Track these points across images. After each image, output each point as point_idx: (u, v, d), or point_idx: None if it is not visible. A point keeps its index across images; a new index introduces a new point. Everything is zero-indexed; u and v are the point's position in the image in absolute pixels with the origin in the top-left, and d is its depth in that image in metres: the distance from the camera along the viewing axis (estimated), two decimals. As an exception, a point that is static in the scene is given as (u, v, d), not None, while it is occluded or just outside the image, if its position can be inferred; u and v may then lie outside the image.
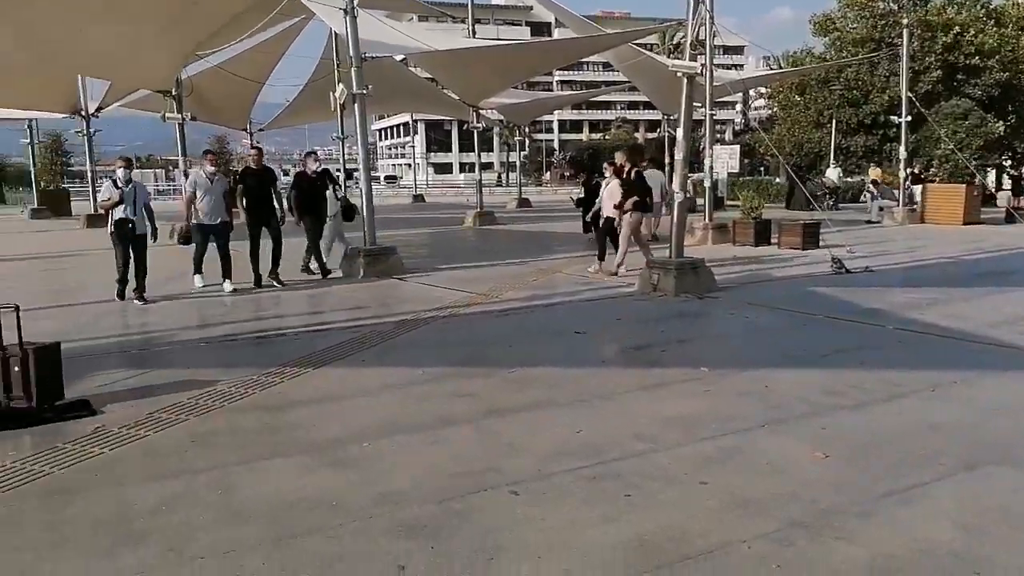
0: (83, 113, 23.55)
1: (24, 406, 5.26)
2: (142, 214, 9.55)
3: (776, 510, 3.68)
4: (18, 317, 5.41)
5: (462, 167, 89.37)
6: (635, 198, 11.24)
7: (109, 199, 9.45)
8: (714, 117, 15.28)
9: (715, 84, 14.90)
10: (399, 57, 19.76)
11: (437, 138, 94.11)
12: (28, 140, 29.54)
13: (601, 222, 12.04)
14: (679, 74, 9.97)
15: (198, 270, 10.73)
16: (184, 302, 9.78)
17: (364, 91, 11.63)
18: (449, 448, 4.51)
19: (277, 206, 11.00)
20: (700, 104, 14.07)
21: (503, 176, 74.59)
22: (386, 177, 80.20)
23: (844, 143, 31.10)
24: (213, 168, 10.62)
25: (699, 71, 10.41)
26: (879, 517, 3.61)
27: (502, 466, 4.22)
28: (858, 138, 30.64)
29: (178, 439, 4.78)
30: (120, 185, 9.43)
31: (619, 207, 11.40)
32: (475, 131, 22.64)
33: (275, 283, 10.86)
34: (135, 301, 9.50)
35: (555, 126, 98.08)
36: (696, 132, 22.86)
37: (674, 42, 49.10)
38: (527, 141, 61.31)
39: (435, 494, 3.87)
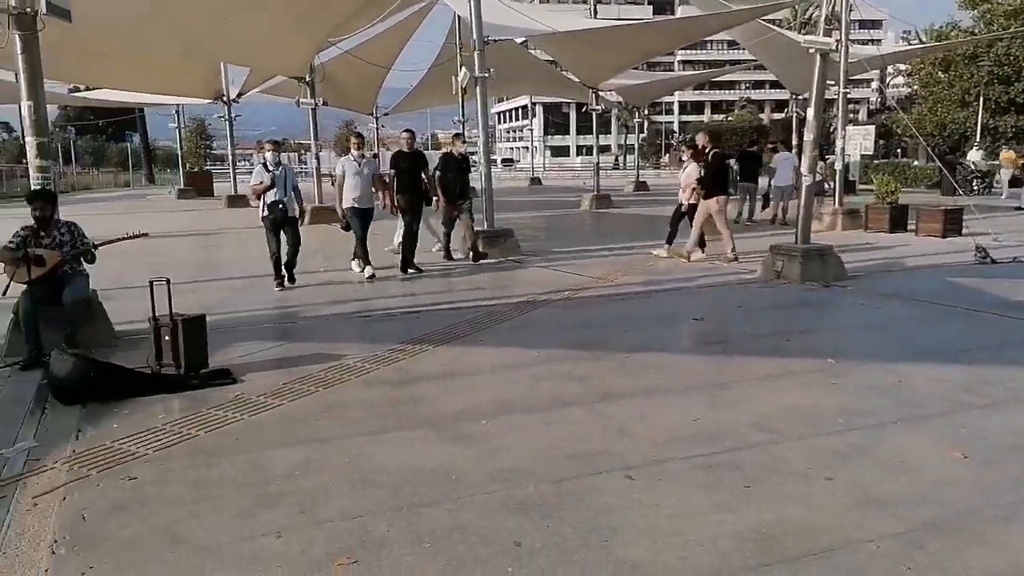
0: (225, 99, 24.91)
1: (173, 372, 5.69)
2: (291, 196, 9.36)
3: (908, 510, 3.51)
4: (169, 290, 5.85)
5: (579, 150, 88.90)
6: (694, 184, 11.05)
7: (261, 183, 9.23)
8: (848, 96, 14.52)
9: (850, 61, 14.16)
10: (520, 40, 19.81)
11: (555, 121, 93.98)
12: (176, 125, 31.60)
13: (681, 206, 11.64)
14: (811, 51, 9.53)
15: (362, 257, 10.25)
16: (317, 280, 10.23)
17: (486, 74, 11.74)
18: (563, 430, 4.54)
19: (430, 190, 10.79)
20: (833, 82, 13.39)
21: (620, 159, 73.68)
22: (503, 160, 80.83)
23: (992, 123, 28.86)
24: (359, 151, 10.22)
25: (833, 47, 9.89)
26: (1021, 523, 3.38)
27: (616, 450, 4.22)
28: (1008, 118, 28.37)
29: (311, 409, 5.03)
30: (270, 168, 9.26)
31: (694, 190, 11.12)
32: (594, 113, 22.46)
33: (412, 269, 10.53)
34: (284, 284, 9.38)
35: (675, 107, 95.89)
36: (827, 112, 21.78)
37: (806, 17, 46.84)
38: (646, 123, 60.17)
39: (550, 474, 3.91)
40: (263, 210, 9.25)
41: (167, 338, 5.75)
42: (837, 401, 5.00)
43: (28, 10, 6.44)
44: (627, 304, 8.31)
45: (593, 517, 3.46)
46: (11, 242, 6.37)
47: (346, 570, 3.05)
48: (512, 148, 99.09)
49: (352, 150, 10.24)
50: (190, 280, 9.96)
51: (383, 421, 4.80)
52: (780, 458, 4.09)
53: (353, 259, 10.45)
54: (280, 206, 9.20)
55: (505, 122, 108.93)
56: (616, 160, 72.98)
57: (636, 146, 36.84)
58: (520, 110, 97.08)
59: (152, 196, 33.42)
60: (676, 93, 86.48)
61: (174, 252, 13.31)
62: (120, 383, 5.30)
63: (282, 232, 9.41)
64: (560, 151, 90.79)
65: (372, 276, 10.01)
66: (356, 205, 10.08)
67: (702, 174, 11.05)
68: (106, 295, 7.06)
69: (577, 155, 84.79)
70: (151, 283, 5.89)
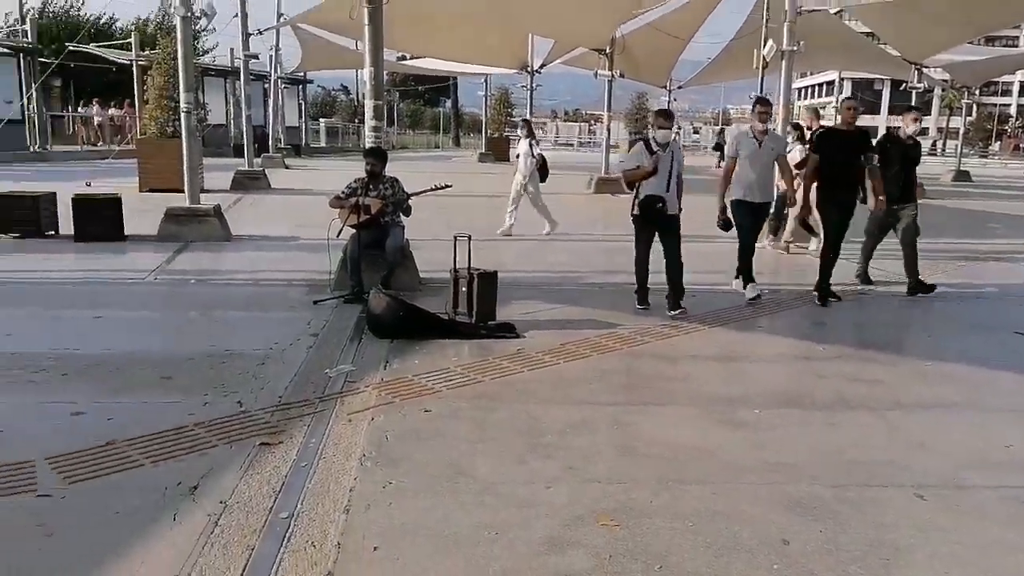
0: (528, 69, 26.06)
1: (465, 321, 6.17)
2: (674, 189, 6.74)
3: None
4: (469, 246, 6.33)
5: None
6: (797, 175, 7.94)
7: (638, 168, 6.63)
8: None
9: None
10: (833, 10, 18.31)
11: (865, 98, 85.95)
12: (483, 93, 33.75)
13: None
14: None
15: (745, 271, 7.40)
16: (592, 244, 10.45)
17: (795, 47, 11.05)
18: (846, 433, 4.24)
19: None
20: None
21: (939, 144, 65.68)
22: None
23: None
24: (763, 126, 7.23)
25: None
26: None
27: (908, 464, 3.85)
28: None
29: (584, 372, 5.20)
30: (656, 148, 6.63)
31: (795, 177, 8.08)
32: (913, 92, 20.23)
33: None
34: (671, 313, 6.71)
35: (1015, 88, 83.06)
36: None
37: None
38: (975, 105, 52.89)
39: (828, 477, 3.68)
40: (635, 207, 6.79)
41: (463, 289, 6.25)
42: None
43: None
44: (933, 306, 7.47)
45: (874, 532, 3.20)
46: (342, 192, 7.27)
47: (609, 530, 3.13)
48: (809, 128, 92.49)
49: (756, 122, 7.29)
50: (486, 238, 10.68)
51: (653, 393, 4.83)
52: (1109, 506, 3.47)
53: (736, 276, 7.66)
54: (659, 203, 6.64)
55: (805, 98, 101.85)
56: (934, 145, 65.21)
57: (961, 131, 32.53)
58: (824, 86, 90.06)
59: (456, 158, 36.15)
60: (1019, 72, 74.83)
61: (474, 211, 14.31)
62: (422, 324, 5.86)
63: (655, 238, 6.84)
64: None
65: (757, 296, 7.32)
66: (746, 198, 7.20)
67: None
68: (416, 245, 7.80)
69: (886, 138, 76.83)
70: (455, 238, 6.41)
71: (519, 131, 12.04)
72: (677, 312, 6.65)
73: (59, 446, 3.74)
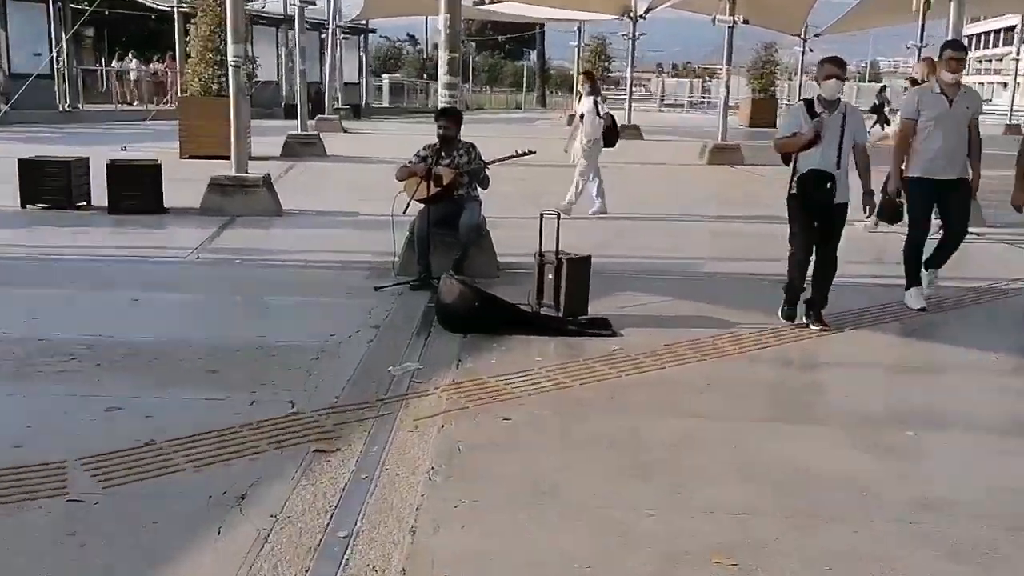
0: (631, 14, 25.79)
1: (552, 314, 6.18)
2: (845, 169, 5.98)
3: None
4: (557, 225, 6.33)
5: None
6: None
7: (795, 136, 5.99)
8: None
9: None
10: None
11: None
12: (576, 43, 33.62)
13: None
14: None
15: (913, 273, 6.84)
16: (704, 226, 10.29)
17: (970, -14, 10.59)
18: None
19: None
20: None
21: None
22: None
23: None
24: (954, 77, 6.53)
25: None
26: None
27: (1100, 504, 3.67)
28: None
29: (693, 378, 5.14)
30: (820, 109, 5.95)
31: None
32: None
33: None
34: (810, 324, 6.18)
35: None
36: None
37: None
38: None
39: (1001, 516, 3.54)
40: (792, 184, 6.09)
41: (550, 277, 6.25)
42: None
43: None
44: None
45: (1054, 585, 3.07)
46: (410, 160, 7.38)
47: (725, 570, 3.10)
48: (981, 84, 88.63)
49: (942, 75, 6.60)
50: (576, 216, 10.67)
51: (777, 408, 4.75)
52: None
53: (907, 288, 6.87)
54: (827, 182, 5.86)
55: (976, 48, 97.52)
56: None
57: None
58: (1000, 33, 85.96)
59: (541, 121, 36.23)
60: None
61: (562, 184, 14.31)
62: (501, 317, 5.89)
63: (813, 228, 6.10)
64: (1047, 92, 79.01)
65: (923, 308, 6.73)
66: (929, 175, 6.58)
67: None
68: (494, 223, 7.86)
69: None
70: (541, 216, 6.42)
71: (580, 86, 11.68)
72: (819, 328, 6.12)
73: (93, 446, 3.93)
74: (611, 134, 10.74)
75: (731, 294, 7.31)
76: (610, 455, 4.03)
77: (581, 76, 12.03)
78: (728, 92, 18.74)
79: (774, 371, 5.35)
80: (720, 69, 19.59)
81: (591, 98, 10.85)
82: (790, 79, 42.32)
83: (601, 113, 10.74)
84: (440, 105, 7.70)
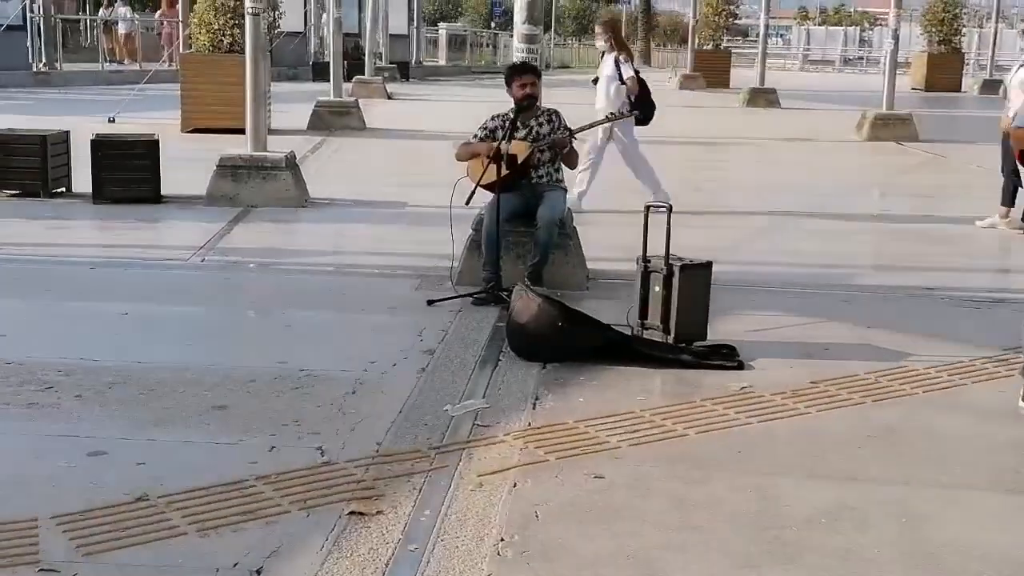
0: (766, -57, 25.60)
1: (659, 339, 6.14)
2: None
3: None
4: (668, 223, 6.29)
5: None
6: None
7: None
8: None
9: None
10: None
11: None
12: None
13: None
14: None
15: None
16: (861, 224, 10.12)
17: None
18: None
19: None
20: None
21: None
22: None
23: None
24: None
25: None
26: None
27: None
28: None
29: (848, 427, 5.06)
30: None
31: None
32: None
33: None
34: None
35: None
36: None
37: None
38: None
39: None
40: None
41: (657, 289, 6.22)
42: None
43: None
44: None
45: None
46: (476, 134, 7.42)
47: None
48: None
49: None
50: (687, 210, 10.60)
51: (964, 470, 4.63)
52: None
53: None
54: None
55: None
56: None
57: None
58: None
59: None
60: None
61: (674, 167, 14.27)
62: (592, 342, 5.89)
63: None
64: None
65: None
66: None
67: None
68: (583, 219, 7.89)
69: None
70: (647, 208, 6.40)
71: (598, 40, 10.99)
72: None
73: (71, 500, 4.00)
74: (643, 106, 10.06)
75: (899, 316, 7.19)
76: (736, 530, 3.97)
77: (598, 27, 11.49)
78: (897, 44, 18.38)
79: (958, 420, 5.24)
80: (886, 13, 19.19)
81: (612, 56, 10.47)
82: (980, 27, 41.43)
83: (623, 77, 10.27)
84: (514, 61, 7.74)
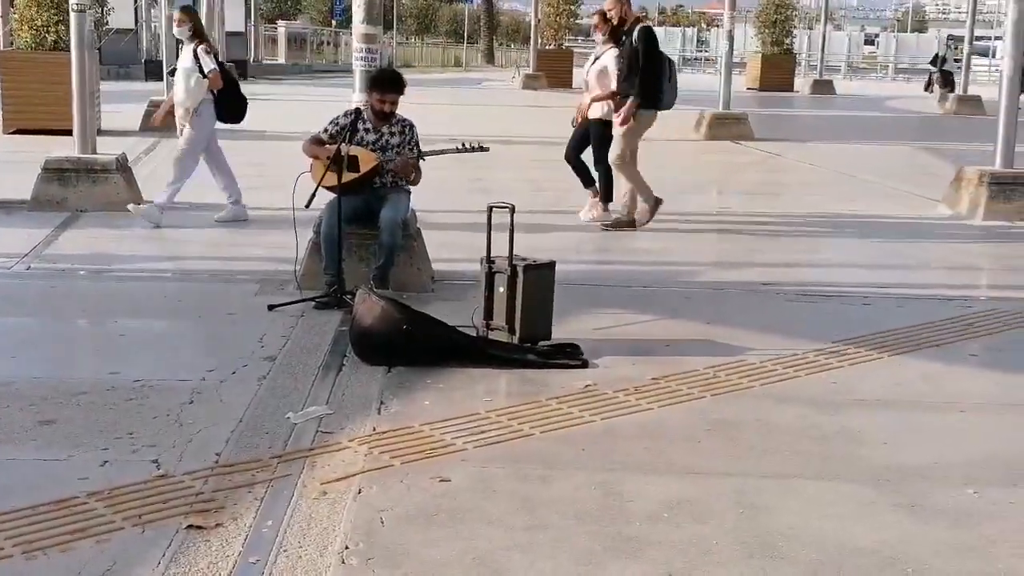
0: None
1: (504, 339, 6.18)
2: None
3: None
4: (512, 222, 6.34)
5: None
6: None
7: None
8: None
9: None
10: None
11: None
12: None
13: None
14: None
15: None
16: (701, 222, 10.40)
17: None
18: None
19: None
20: None
21: None
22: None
23: None
24: None
25: None
26: None
27: None
28: None
29: (688, 422, 5.18)
30: None
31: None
32: None
33: None
34: None
35: None
36: None
37: None
38: None
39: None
40: None
41: (501, 289, 6.26)
42: None
43: None
44: None
45: None
46: (325, 130, 7.33)
47: None
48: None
49: None
50: (531, 209, 10.70)
51: (796, 460, 4.78)
52: None
53: None
54: None
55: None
56: None
57: None
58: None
59: (489, 83, 36.40)
60: None
61: (513, 166, 14.39)
62: (437, 344, 5.89)
63: None
64: None
65: None
66: None
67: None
68: (426, 219, 7.87)
69: None
70: (490, 209, 6.43)
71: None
72: None
73: None
74: (230, 101, 9.86)
75: (738, 311, 7.40)
76: (582, 528, 4.02)
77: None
78: (732, 45, 19.04)
79: (793, 411, 5.38)
80: (721, 15, 19.77)
81: (191, 47, 9.82)
82: (810, 28, 43.02)
83: (206, 70, 9.65)
84: (359, 66, 7.67)
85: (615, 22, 9.92)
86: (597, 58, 10.45)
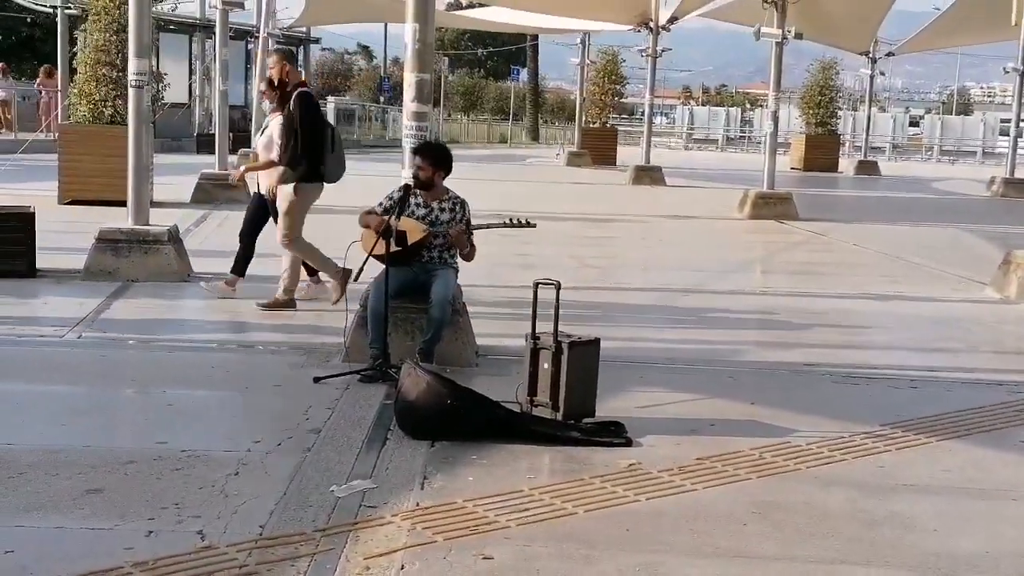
0: (651, 25, 26.30)
1: (548, 416, 6.17)
2: None
3: None
4: (557, 298, 6.35)
5: None
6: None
7: None
8: None
9: None
10: None
11: None
12: (579, 60, 34.22)
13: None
14: None
15: None
16: (746, 300, 10.35)
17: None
18: None
19: None
20: None
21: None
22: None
23: None
24: None
25: None
26: None
27: None
28: None
29: (734, 504, 5.12)
30: None
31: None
32: None
33: None
34: None
35: None
36: None
37: None
38: None
39: None
40: None
41: (546, 366, 6.26)
42: None
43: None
44: None
45: None
46: (380, 203, 7.42)
47: None
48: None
49: None
50: (577, 285, 10.72)
51: (846, 544, 4.72)
52: None
53: None
54: None
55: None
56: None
57: None
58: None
59: (533, 160, 36.67)
60: None
61: (558, 242, 14.45)
62: (481, 420, 5.88)
63: None
64: None
65: None
66: None
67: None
68: (472, 294, 7.92)
69: None
70: (535, 285, 6.45)
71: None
72: None
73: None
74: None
75: (782, 392, 7.35)
76: (626, 609, 3.99)
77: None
78: (776, 125, 19.04)
79: (842, 495, 5.33)
80: (765, 95, 19.86)
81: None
82: (855, 110, 43.02)
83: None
84: (408, 141, 7.78)
85: (276, 86, 9.25)
86: (266, 127, 9.69)
